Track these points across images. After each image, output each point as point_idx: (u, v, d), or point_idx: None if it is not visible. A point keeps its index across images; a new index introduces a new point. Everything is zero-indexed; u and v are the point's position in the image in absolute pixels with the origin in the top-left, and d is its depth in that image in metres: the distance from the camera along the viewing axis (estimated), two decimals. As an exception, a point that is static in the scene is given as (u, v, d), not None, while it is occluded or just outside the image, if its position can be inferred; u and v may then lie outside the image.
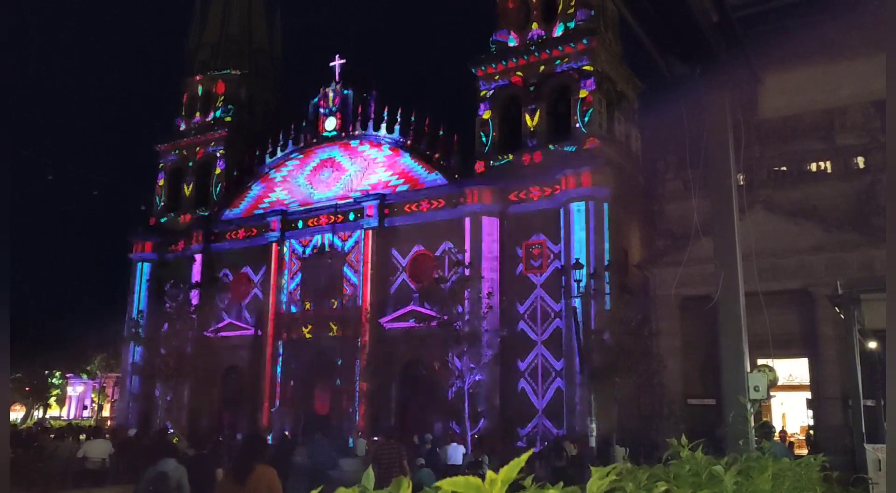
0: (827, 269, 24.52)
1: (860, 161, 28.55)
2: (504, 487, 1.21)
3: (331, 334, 34.03)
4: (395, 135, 35.48)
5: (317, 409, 35.14)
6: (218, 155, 42.05)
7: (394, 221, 34.32)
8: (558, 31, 32.47)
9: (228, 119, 42.60)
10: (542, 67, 32.31)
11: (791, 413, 29.25)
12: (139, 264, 41.87)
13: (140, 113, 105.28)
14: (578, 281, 25.98)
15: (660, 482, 2.14)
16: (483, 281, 29.28)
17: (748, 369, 5.97)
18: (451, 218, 32.58)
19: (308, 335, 34.94)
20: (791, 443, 23.28)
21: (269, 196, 39.28)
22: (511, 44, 33.64)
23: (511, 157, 32.29)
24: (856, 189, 27.10)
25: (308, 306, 35.97)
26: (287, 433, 28.83)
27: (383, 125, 35.89)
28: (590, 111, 30.65)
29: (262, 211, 38.84)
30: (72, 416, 62.40)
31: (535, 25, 33.30)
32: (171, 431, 27.98)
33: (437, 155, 34.04)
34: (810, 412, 26.39)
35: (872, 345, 13.01)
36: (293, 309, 36.57)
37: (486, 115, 33.38)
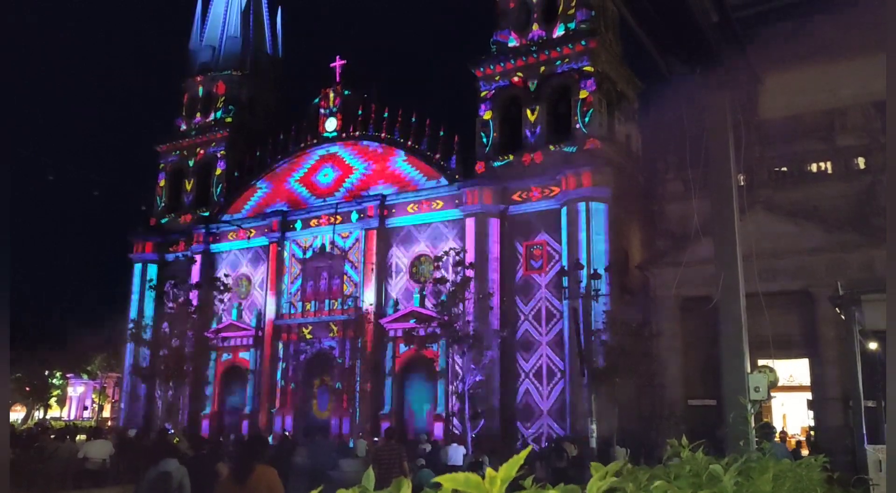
0: (827, 270, 24.49)
1: (861, 162, 28.53)
2: (504, 485, 1.21)
3: (331, 334, 34.05)
4: (396, 136, 35.48)
5: (317, 410, 35.15)
6: (218, 156, 42.07)
7: (394, 222, 34.33)
8: (559, 32, 32.48)
9: (229, 120, 42.62)
10: (542, 68, 32.31)
11: (791, 414, 29.21)
12: (139, 265, 41.91)
13: (141, 113, 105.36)
14: (579, 282, 25.96)
15: (660, 482, 2.14)
16: (483, 282, 29.27)
17: (749, 370, 5.96)
18: (451, 218, 32.61)
19: (308, 336, 34.95)
20: (799, 442, 23.22)
21: (270, 197, 39.28)
22: (511, 44, 33.65)
23: (511, 157, 32.30)
24: (856, 190, 27.08)
25: (308, 306, 35.98)
26: (287, 433, 28.84)
27: (384, 126, 35.90)
28: (590, 112, 30.66)
29: (262, 212, 38.84)
30: (72, 416, 62.36)
31: (535, 26, 33.31)
32: (172, 431, 27.98)
33: (437, 155, 34.05)
34: (811, 413, 26.35)
35: (873, 346, 13.01)
36: (293, 310, 36.57)
37: (487, 115, 33.38)
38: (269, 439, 26.75)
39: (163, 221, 42.95)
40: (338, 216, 35.61)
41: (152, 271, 41.40)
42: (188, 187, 42.82)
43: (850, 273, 22.70)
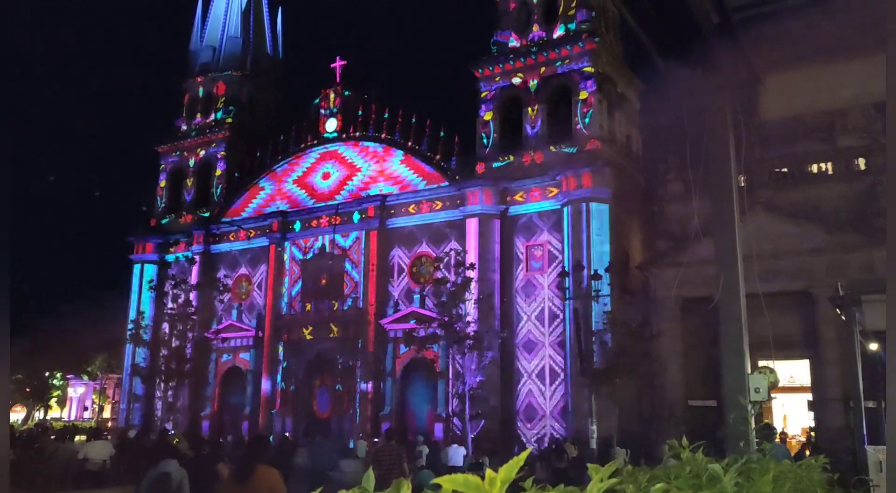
0: (828, 270, 24.49)
1: (861, 163, 28.53)
2: (504, 486, 1.20)
3: (331, 335, 34.04)
4: (396, 136, 35.49)
5: (317, 410, 35.14)
6: (219, 156, 42.09)
7: (394, 223, 34.33)
8: (559, 33, 32.49)
9: (229, 120, 42.63)
10: (542, 68, 32.32)
11: (792, 415, 29.19)
12: (140, 265, 41.92)
13: (141, 114, 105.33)
14: (579, 283, 25.96)
15: (660, 483, 2.14)
16: (483, 282, 29.27)
17: (749, 371, 5.96)
18: (451, 219, 32.62)
19: (308, 337, 34.95)
20: (804, 444, 23.16)
21: (270, 197, 39.30)
22: (512, 45, 33.66)
23: (512, 158, 32.31)
24: (857, 191, 27.07)
25: (308, 307, 35.97)
26: (287, 434, 28.85)
27: (384, 126, 35.91)
28: (590, 112, 30.66)
29: (262, 212, 38.85)
30: (73, 417, 62.36)
31: (535, 26, 33.32)
32: (172, 432, 27.96)
33: (437, 156, 34.05)
34: (811, 414, 26.32)
35: (873, 346, 13.01)
36: (294, 310, 36.57)
37: (487, 116, 33.39)
38: (269, 439, 26.74)
39: (163, 221, 42.96)
40: (338, 217, 35.61)
41: (152, 271, 41.40)
42: (188, 188, 42.84)
43: (850, 274, 22.70)
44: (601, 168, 29.30)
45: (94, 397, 63.75)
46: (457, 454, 19.17)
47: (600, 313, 26.87)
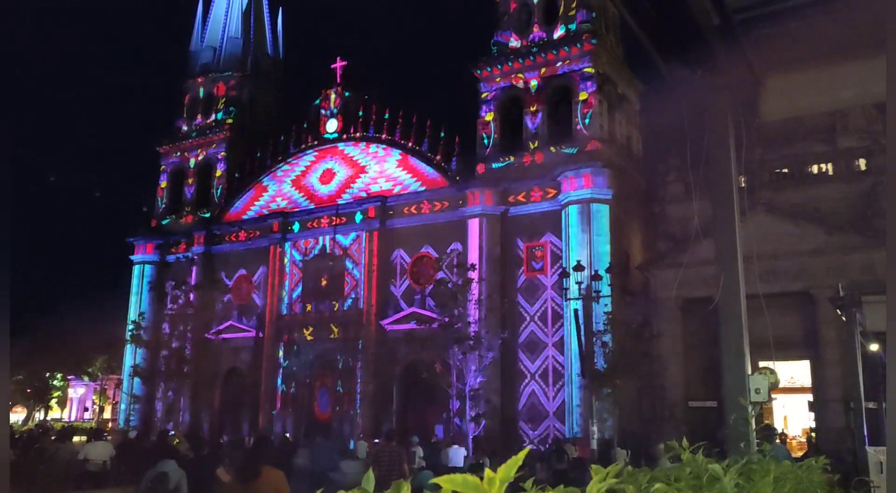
0: (828, 271, 24.48)
1: (862, 163, 28.52)
2: (503, 486, 1.20)
3: (332, 336, 34.03)
4: (397, 137, 35.49)
5: (317, 411, 35.13)
6: (219, 157, 42.10)
7: (395, 223, 34.34)
8: (559, 33, 32.51)
9: (230, 121, 42.65)
10: (543, 69, 32.34)
11: (792, 416, 29.19)
12: (140, 266, 41.92)
13: (141, 114, 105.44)
14: (579, 283, 25.93)
15: (660, 484, 2.13)
16: (484, 283, 29.27)
17: (749, 372, 5.95)
18: (452, 220, 32.62)
19: (309, 337, 34.94)
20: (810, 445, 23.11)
21: (271, 198, 39.31)
22: (512, 45, 33.67)
23: (512, 158, 32.32)
24: (857, 191, 27.06)
25: (309, 307, 35.97)
26: (288, 435, 28.83)
27: (384, 127, 35.92)
28: (591, 113, 30.67)
29: (263, 213, 38.85)
30: (73, 418, 62.37)
31: (536, 27, 33.34)
32: (172, 433, 27.96)
33: (438, 157, 34.06)
34: (812, 415, 26.32)
35: (874, 347, 13.00)
36: (294, 311, 36.56)
37: (488, 116, 33.40)
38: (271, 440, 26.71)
39: (163, 222, 42.97)
40: (338, 217, 35.61)
41: (153, 272, 41.40)
42: (189, 189, 42.85)
43: (850, 275, 22.70)
44: (601, 169, 29.31)
45: (94, 397, 63.74)
46: (457, 454, 19.13)
47: (600, 313, 26.86)
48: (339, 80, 38.69)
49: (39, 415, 61.12)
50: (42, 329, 45.80)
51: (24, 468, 16.22)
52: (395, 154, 35.58)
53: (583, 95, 30.97)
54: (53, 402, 64.86)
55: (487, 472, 1.22)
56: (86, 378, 63.81)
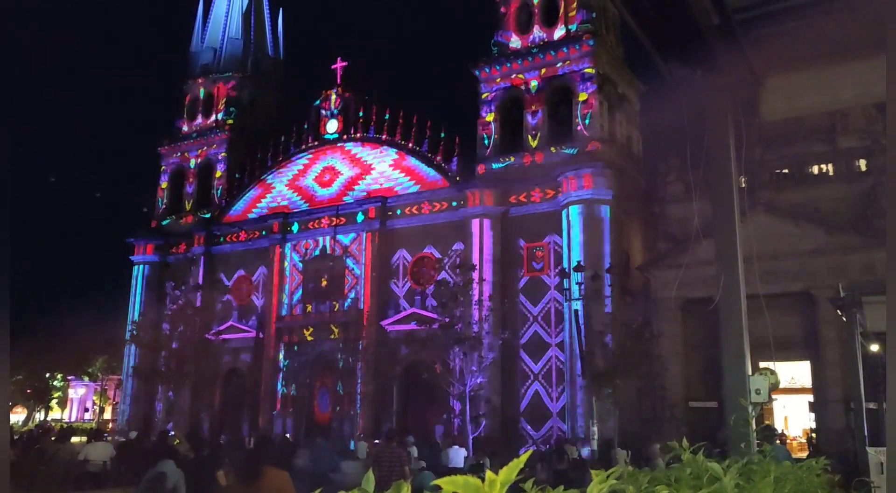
0: (829, 271, 24.47)
1: (862, 164, 28.51)
2: (504, 488, 1.20)
3: (332, 336, 34.02)
4: (397, 137, 35.50)
5: (318, 411, 35.13)
6: (219, 157, 42.12)
7: (395, 224, 34.34)
8: (559, 34, 32.51)
9: (230, 122, 42.68)
10: (543, 70, 32.34)
11: (793, 416, 29.18)
12: (141, 267, 41.92)
13: (142, 115, 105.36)
14: (580, 284, 25.94)
15: (660, 485, 2.13)
16: (484, 284, 29.27)
17: (750, 372, 5.95)
18: (452, 220, 32.62)
19: (309, 338, 34.94)
20: (811, 445, 23.13)
21: (271, 199, 39.31)
22: (513, 46, 33.68)
23: (512, 159, 32.33)
24: (857, 192, 27.05)
25: (309, 308, 35.97)
26: (288, 435, 28.82)
27: (385, 128, 35.93)
28: (591, 113, 30.67)
29: (263, 213, 38.86)
30: (73, 418, 62.39)
31: (536, 28, 33.34)
32: (173, 433, 27.95)
33: (438, 157, 34.07)
34: (812, 415, 26.31)
35: (874, 348, 13.00)
36: (294, 312, 36.56)
37: (489, 117, 33.40)
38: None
39: (164, 222, 42.98)
40: (339, 218, 35.62)
41: (153, 272, 41.40)
42: (189, 189, 42.87)
43: (851, 275, 22.70)
44: (602, 169, 29.31)
45: (94, 398, 63.75)
46: (457, 455, 19.13)
47: (601, 314, 26.87)
48: (339, 80, 38.71)
49: (40, 416, 61.12)
50: (42, 329, 45.85)
51: (25, 469, 16.21)
52: (395, 155, 35.57)
53: (583, 96, 30.97)
54: (54, 402, 64.85)
55: (488, 474, 1.21)
56: (86, 379, 63.84)
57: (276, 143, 39.33)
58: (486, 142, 33.20)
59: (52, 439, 21.15)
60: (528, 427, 29.43)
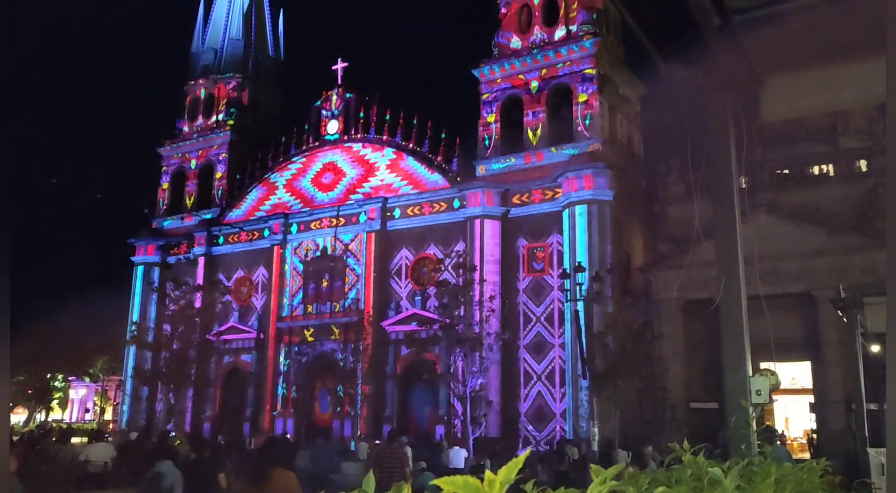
0: (830, 272, 24.45)
1: (863, 164, 28.48)
2: (503, 488, 1.20)
3: (333, 337, 34.02)
4: (398, 138, 35.51)
5: (318, 412, 35.12)
6: (220, 158, 42.16)
7: (396, 225, 34.34)
8: (560, 34, 32.52)
9: (231, 122, 42.71)
10: (544, 70, 32.36)
11: (794, 417, 29.16)
12: (141, 267, 41.95)
13: (143, 116, 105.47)
14: (580, 284, 25.92)
15: (661, 486, 2.13)
16: (485, 284, 29.27)
17: (750, 373, 5.95)
18: (453, 221, 32.64)
19: (310, 339, 34.94)
20: (812, 446, 23.10)
21: (272, 199, 39.33)
22: (513, 46, 33.70)
23: (513, 159, 32.34)
24: (859, 192, 27.01)
25: (310, 309, 35.97)
26: (289, 436, 28.82)
27: (385, 128, 35.94)
28: (592, 114, 30.68)
29: (264, 214, 38.87)
30: (74, 419, 62.41)
31: (536, 28, 33.35)
32: (173, 434, 27.97)
33: (439, 158, 34.08)
34: (813, 416, 26.29)
35: (875, 349, 12.99)
36: (295, 312, 36.56)
37: (489, 117, 33.42)
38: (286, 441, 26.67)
39: (165, 223, 43.03)
40: (339, 219, 35.63)
41: (154, 273, 41.43)
42: (190, 190, 42.91)
43: (852, 276, 22.68)
44: (602, 170, 29.31)
45: (95, 398, 63.78)
46: (458, 455, 19.14)
47: (602, 314, 26.84)
48: (340, 81, 38.74)
49: (41, 416, 61.12)
50: (43, 330, 45.79)
51: (26, 470, 16.20)
52: (397, 155, 35.56)
53: (583, 96, 30.98)
54: (55, 403, 64.86)
55: (487, 474, 1.21)
56: (87, 379, 63.85)
57: (277, 143, 39.36)
58: (486, 142, 33.22)
59: (53, 439, 21.15)
60: (532, 428, 29.42)
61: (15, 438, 22.55)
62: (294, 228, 37.45)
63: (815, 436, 25.83)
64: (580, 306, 26.38)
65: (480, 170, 32.84)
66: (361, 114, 37.06)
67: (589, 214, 29.03)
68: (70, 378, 64.26)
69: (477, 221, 31.46)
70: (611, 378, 24.46)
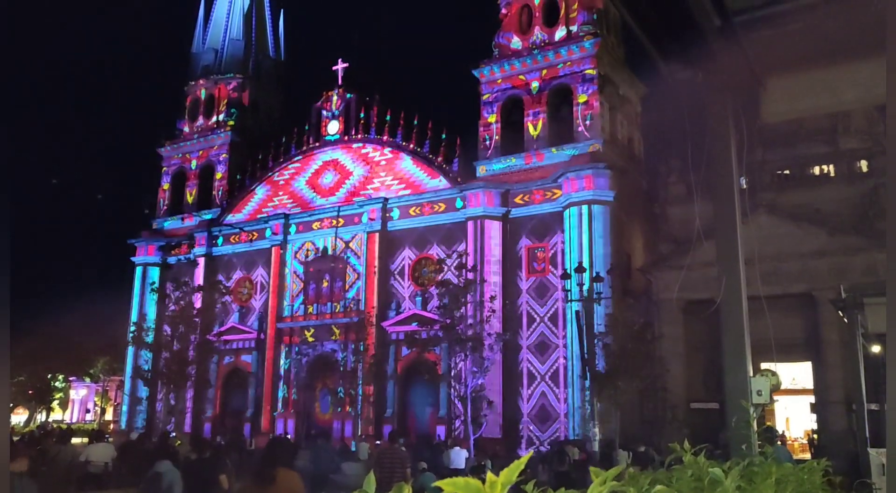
0: (830, 273, 24.44)
1: (863, 165, 28.49)
2: (504, 489, 1.20)
3: (333, 337, 34.02)
4: (398, 138, 35.51)
5: (319, 412, 35.11)
6: (221, 159, 42.17)
7: (396, 225, 34.34)
8: (560, 35, 32.52)
9: (231, 123, 42.72)
10: (544, 71, 32.36)
11: (794, 418, 29.15)
12: (142, 268, 41.96)
13: (143, 116, 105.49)
14: (581, 285, 25.91)
15: (661, 487, 2.13)
16: (486, 284, 29.26)
17: (751, 373, 5.95)
18: (454, 221, 32.64)
19: (310, 339, 34.93)
20: (812, 446, 23.09)
21: (272, 200, 39.34)
22: (514, 47, 33.70)
23: (514, 160, 32.34)
24: (859, 193, 27.01)
25: (310, 309, 35.97)
26: (289, 436, 28.81)
27: (386, 128, 35.94)
28: (592, 114, 30.68)
29: (264, 214, 38.88)
30: (74, 419, 62.40)
31: (537, 29, 33.36)
32: (174, 434, 27.96)
33: (439, 158, 34.08)
34: (814, 417, 26.28)
35: (876, 349, 12.99)
36: (296, 313, 36.55)
37: (490, 118, 33.42)
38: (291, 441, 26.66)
39: (165, 224, 43.04)
40: (340, 219, 35.63)
41: (154, 273, 41.44)
42: (190, 190, 42.91)
43: (852, 277, 22.67)
44: (603, 170, 29.31)
45: (96, 399, 63.78)
46: (458, 456, 19.14)
47: (602, 315, 26.82)
48: (340, 81, 38.74)
49: (41, 417, 61.12)
50: (43, 330, 45.82)
51: (25, 470, 16.19)
52: (397, 156, 35.57)
53: (584, 97, 30.98)
54: (55, 403, 64.84)
55: (489, 475, 1.21)
56: (87, 380, 63.85)
57: (278, 144, 39.37)
58: (487, 143, 33.23)
59: (54, 440, 21.15)
60: (535, 428, 29.41)
61: (15, 438, 22.56)
62: (294, 229, 37.46)
63: (815, 436, 25.81)
64: (580, 306, 26.36)
65: (481, 170, 32.84)
66: (362, 114, 37.07)
67: (589, 214, 29.02)
68: (70, 379, 64.26)
69: (478, 222, 31.47)
70: (611, 379, 24.43)
